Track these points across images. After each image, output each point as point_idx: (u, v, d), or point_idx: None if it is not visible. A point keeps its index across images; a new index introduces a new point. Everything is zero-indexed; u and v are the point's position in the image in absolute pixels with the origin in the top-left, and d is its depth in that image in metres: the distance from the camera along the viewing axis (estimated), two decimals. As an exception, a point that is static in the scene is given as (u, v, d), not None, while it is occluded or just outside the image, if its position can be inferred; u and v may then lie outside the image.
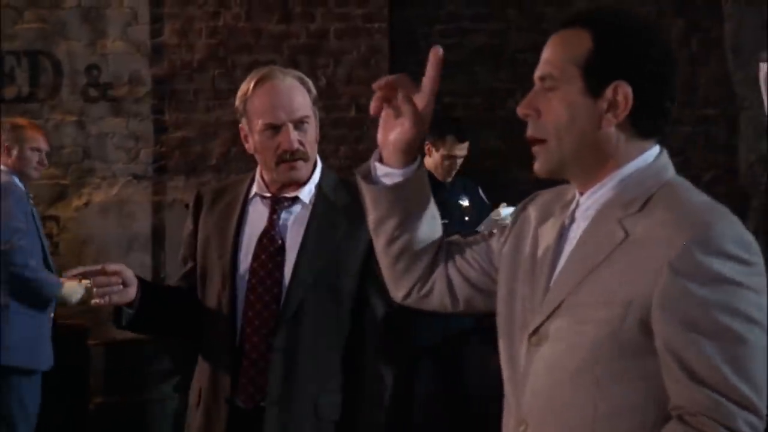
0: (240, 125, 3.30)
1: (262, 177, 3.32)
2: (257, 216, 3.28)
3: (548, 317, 2.07)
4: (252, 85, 3.22)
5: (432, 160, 6.19)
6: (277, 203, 3.26)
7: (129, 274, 3.09)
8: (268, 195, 3.28)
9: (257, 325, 3.17)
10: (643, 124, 2.06)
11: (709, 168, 7.43)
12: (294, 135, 3.16)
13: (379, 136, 2.29)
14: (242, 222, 3.29)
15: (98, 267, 3.05)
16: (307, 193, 3.27)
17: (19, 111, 7.11)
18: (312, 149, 3.23)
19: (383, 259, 2.40)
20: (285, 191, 3.27)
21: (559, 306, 2.05)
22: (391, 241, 2.35)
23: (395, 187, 2.29)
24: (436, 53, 2.24)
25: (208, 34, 7.29)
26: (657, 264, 1.91)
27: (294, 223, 3.25)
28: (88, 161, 7.26)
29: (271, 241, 3.22)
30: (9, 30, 7.23)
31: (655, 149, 2.10)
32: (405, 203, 2.30)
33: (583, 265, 2.03)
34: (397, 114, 2.25)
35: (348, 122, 7.29)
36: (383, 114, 2.27)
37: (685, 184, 2.07)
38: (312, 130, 3.22)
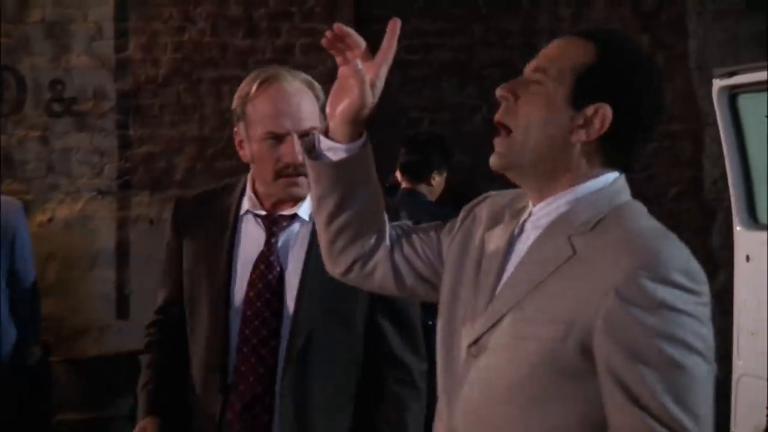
0: (235, 129, 2.97)
1: (254, 191, 2.98)
2: (251, 237, 2.96)
3: (489, 329, 2.06)
4: (255, 86, 2.89)
5: (437, 185, 6.03)
6: (274, 224, 2.93)
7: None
8: (263, 213, 2.96)
9: (253, 363, 2.87)
10: (610, 153, 2.05)
11: (674, 183, 7.46)
12: (299, 147, 2.77)
13: (328, 108, 2.23)
14: (234, 243, 2.97)
15: None
16: (306, 209, 2.91)
17: (-17, 126, 7.07)
18: None
19: (322, 236, 2.32)
20: (281, 208, 2.94)
21: (501, 318, 2.04)
22: (330, 218, 2.27)
23: (338, 164, 2.22)
24: (394, 23, 2.21)
25: (173, 49, 7.26)
26: (602, 287, 1.90)
27: (294, 246, 2.92)
28: (52, 176, 7.20)
29: (268, 268, 2.90)
30: (-28, 45, 7.18)
31: (615, 173, 2.08)
32: (347, 181, 2.23)
33: (529, 279, 2.02)
34: (350, 85, 2.19)
35: (314, 137, 7.24)
36: (334, 86, 2.22)
37: (637, 208, 2.06)
38: None
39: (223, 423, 2.90)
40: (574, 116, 2.02)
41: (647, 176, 7.25)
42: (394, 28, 2.20)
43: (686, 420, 1.86)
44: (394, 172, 6.23)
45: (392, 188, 6.05)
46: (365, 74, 2.18)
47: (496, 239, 2.16)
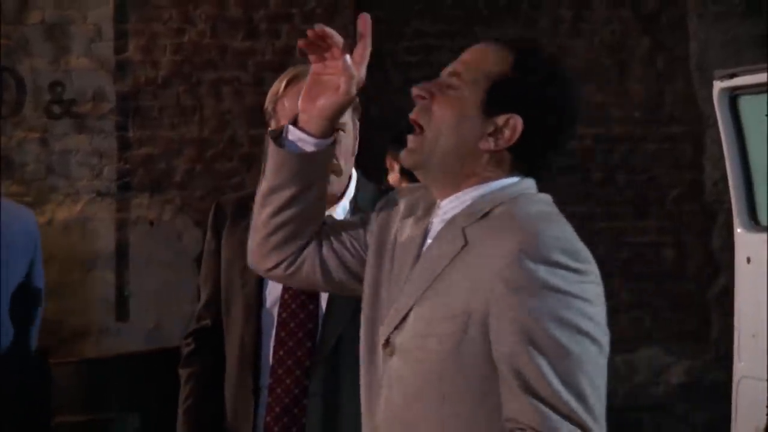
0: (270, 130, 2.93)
1: None
2: None
3: (395, 328, 2.06)
4: (283, 84, 2.90)
5: (396, 173, 6.07)
6: None
7: None
8: None
9: (290, 366, 2.85)
10: (518, 163, 2.06)
11: (675, 185, 7.45)
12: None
13: (301, 101, 2.20)
14: None
15: None
16: (341, 210, 2.89)
17: (-18, 128, 7.07)
18: (346, 161, 2.88)
19: (260, 228, 2.28)
20: None
21: (405, 317, 2.04)
22: (278, 210, 2.23)
23: (304, 157, 2.19)
24: (363, 19, 2.18)
25: (172, 50, 7.25)
26: (490, 274, 1.91)
27: None
28: (52, 178, 7.19)
29: None
30: (-29, 46, 7.18)
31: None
32: (307, 175, 2.20)
33: (427, 276, 2.03)
34: (326, 80, 2.18)
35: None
36: (308, 80, 2.20)
37: (536, 197, 2.07)
38: (348, 140, 2.86)
39: (259, 425, 2.89)
40: (484, 123, 2.03)
41: (648, 178, 7.24)
42: (365, 25, 2.18)
43: (573, 402, 1.86)
44: (386, 174, 6.22)
45: (387, 191, 5.99)
46: (354, 71, 2.17)
47: (409, 234, 2.16)
